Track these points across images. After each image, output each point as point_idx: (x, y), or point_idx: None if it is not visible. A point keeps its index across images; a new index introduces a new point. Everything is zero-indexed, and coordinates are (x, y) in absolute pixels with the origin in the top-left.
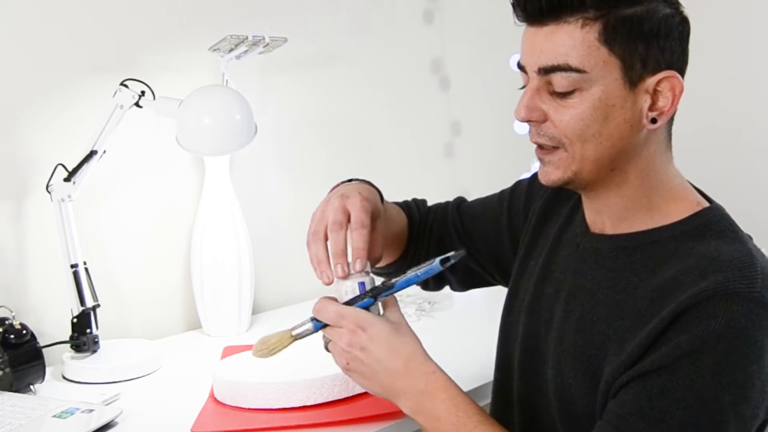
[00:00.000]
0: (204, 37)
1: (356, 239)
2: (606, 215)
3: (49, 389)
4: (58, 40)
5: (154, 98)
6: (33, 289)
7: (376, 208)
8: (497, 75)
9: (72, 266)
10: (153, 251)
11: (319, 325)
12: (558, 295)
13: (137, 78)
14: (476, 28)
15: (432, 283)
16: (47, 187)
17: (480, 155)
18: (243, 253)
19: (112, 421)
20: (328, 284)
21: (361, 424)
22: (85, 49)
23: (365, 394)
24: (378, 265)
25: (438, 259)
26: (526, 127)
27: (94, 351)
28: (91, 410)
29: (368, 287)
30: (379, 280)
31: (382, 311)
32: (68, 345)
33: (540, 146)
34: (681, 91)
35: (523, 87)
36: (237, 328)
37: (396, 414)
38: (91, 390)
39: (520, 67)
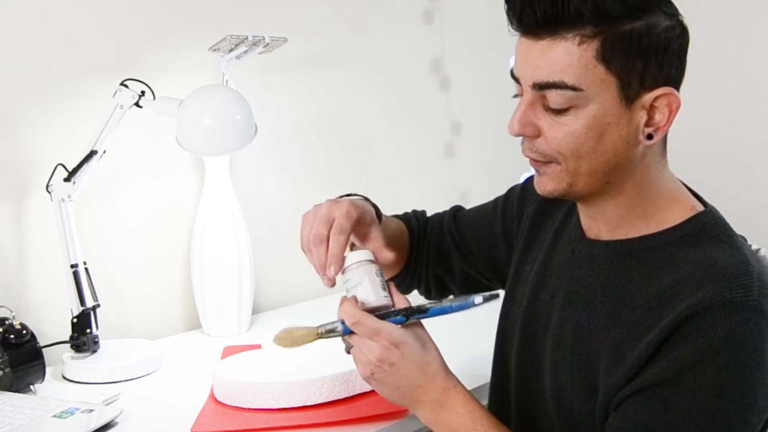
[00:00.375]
0: (204, 37)
1: (332, 245)
2: (601, 222)
3: (49, 389)
4: (58, 40)
5: (154, 98)
6: (33, 289)
7: (366, 214)
8: (497, 75)
9: (72, 266)
10: (153, 251)
11: (348, 330)
12: (554, 300)
13: (137, 78)
14: (476, 28)
15: (435, 292)
16: (47, 187)
17: (480, 155)
18: (243, 253)
19: (112, 421)
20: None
21: (361, 424)
22: (85, 49)
23: (365, 394)
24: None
25: (473, 297)
26: None
27: (94, 351)
28: (91, 410)
29: (368, 275)
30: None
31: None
32: (68, 345)
33: (533, 159)
34: (678, 107)
35: (516, 95)
36: (237, 328)
37: (396, 414)
38: (91, 390)
39: (514, 77)
